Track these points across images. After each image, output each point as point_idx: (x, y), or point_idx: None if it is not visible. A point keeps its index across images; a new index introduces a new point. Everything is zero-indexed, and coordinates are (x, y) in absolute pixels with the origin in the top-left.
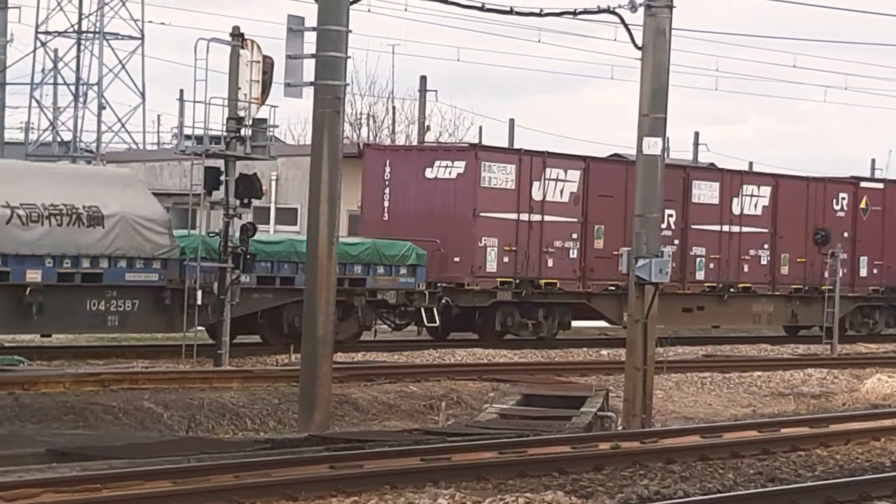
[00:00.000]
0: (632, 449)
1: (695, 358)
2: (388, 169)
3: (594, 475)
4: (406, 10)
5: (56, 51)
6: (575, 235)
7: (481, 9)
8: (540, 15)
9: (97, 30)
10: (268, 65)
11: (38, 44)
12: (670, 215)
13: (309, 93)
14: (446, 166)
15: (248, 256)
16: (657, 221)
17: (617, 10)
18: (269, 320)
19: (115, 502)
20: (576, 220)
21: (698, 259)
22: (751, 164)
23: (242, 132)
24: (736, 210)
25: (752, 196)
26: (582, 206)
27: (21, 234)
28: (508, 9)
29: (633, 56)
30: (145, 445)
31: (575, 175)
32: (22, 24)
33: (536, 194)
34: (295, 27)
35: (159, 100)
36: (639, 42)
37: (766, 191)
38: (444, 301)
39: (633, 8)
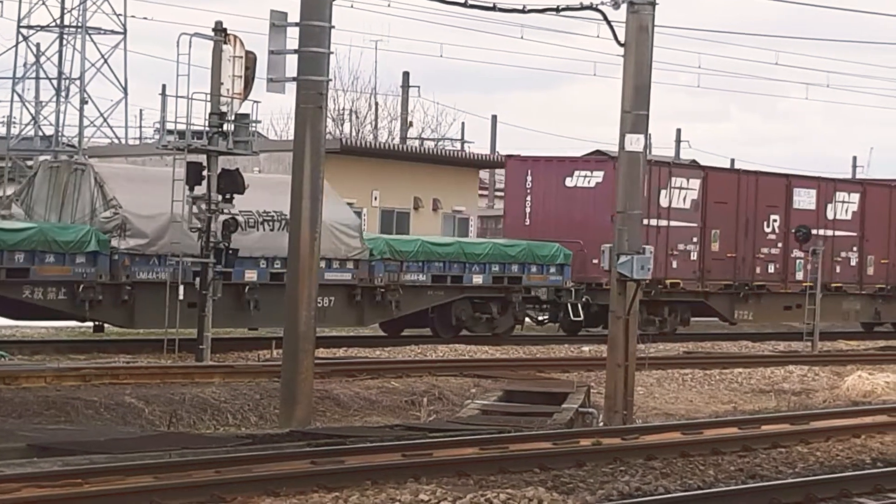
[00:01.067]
0: (613, 445)
1: (676, 354)
2: (529, 178)
3: (575, 471)
4: (389, 5)
5: (38, 45)
6: (695, 239)
7: (464, 5)
8: (523, 11)
9: (80, 24)
10: (250, 60)
11: (21, 38)
12: (774, 220)
13: (291, 88)
14: (585, 176)
15: (231, 252)
16: (639, 218)
17: (600, 7)
18: (440, 315)
19: (97, 497)
20: (695, 224)
21: (798, 261)
22: (732, 161)
23: (225, 127)
24: (830, 215)
25: (843, 202)
26: (701, 211)
27: (241, 238)
28: (491, 5)
29: (615, 53)
30: (126, 440)
31: (695, 183)
32: (4, 19)
33: (663, 201)
34: (278, 22)
35: (142, 95)
36: (621, 39)
37: (856, 197)
38: (585, 298)
39: (616, 5)
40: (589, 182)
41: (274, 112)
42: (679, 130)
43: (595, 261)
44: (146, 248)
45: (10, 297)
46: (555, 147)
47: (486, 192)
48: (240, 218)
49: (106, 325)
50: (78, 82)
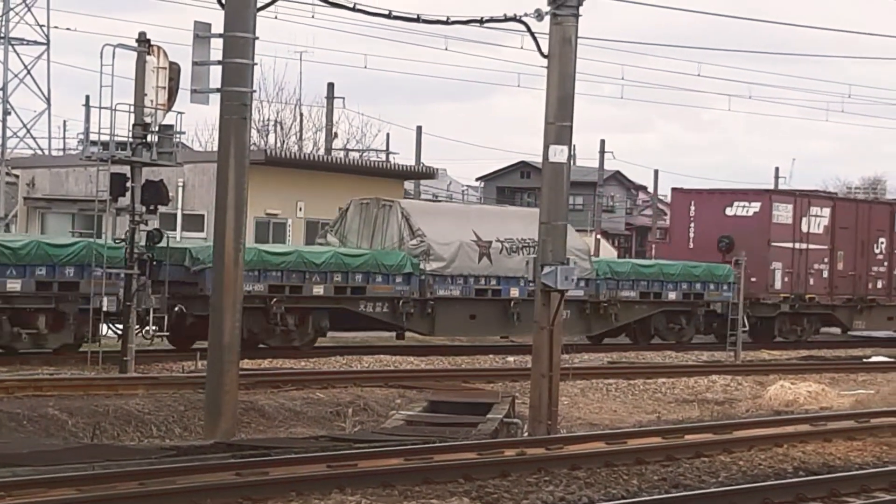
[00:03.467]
0: (537, 455)
1: (600, 365)
2: (692, 207)
3: (500, 481)
4: (313, 16)
5: None
6: (825, 259)
7: (388, 16)
8: (447, 23)
9: (2, 35)
10: (174, 71)
11: None
12: (882, 242)
13: (215, 99)
14: (744, 206)
15: (154, 263)
16: (563, 229)
17: (523, 19)
18: (641, 326)
19: None
20: (826, 247)
21: None
22: (656, 172)
23: (148, 138)
24: None
25: None
26: (830, 235)
27: (507, 261)
28: (415, 16)
29: (539, 64)
30: (50, 453)
31: (826, 211)
32: None
33: (804, 227)
34: (201, 33)
35: (65, 105)
36: (545, 50)
37: None
38: (746, 311)
39: (540, 17)
40: (747, 211)
41: (198, 123)
42: (603, 141)
43: (754, 279)
44: (444, 269)
45: (351, 310)
46: (479, 157)
47: None
48: (506, 244)
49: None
50: (0, 93)
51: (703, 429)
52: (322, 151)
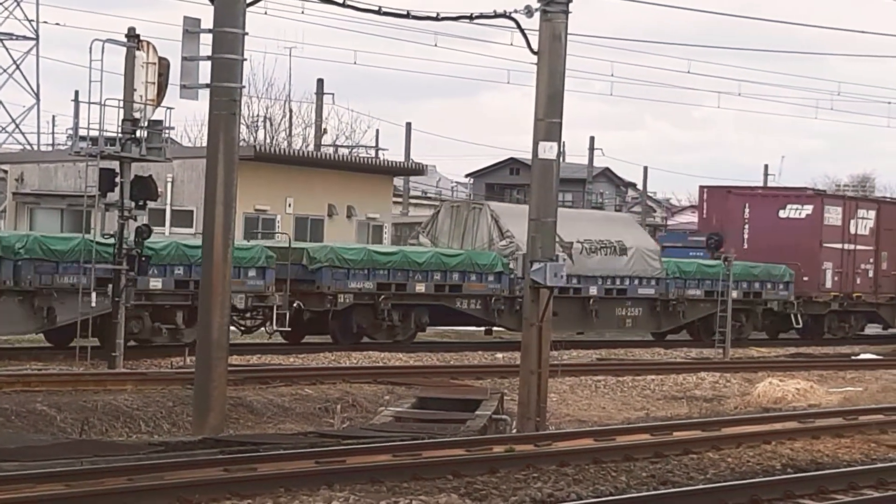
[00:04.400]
0: (526, 452)
1: (589, 361)
2: (747, 209)
3: (488, 478)
4: (303, 12)
5: None
6: (871, 260)
7: (378, 12)
8: (436, 19)
9: None
10: (163, 66)
11: None
12: None
13: (205, 95)
14: (797, 209)
15: (143, 259)
16: (552, 226)
17: (513, 15)
18: (704, 324)
19: None
20: (872, 248)
21: None
22: (645, 169)
23: (138, 134)
24: None
25: None
26: (875, 237)
27: (586, 261)
28: (405, 12)
29: (529, 61)
30: (37, 448)
31: (872, 214)
32: None
33: (852, 229)
34: (191, 29)
35: (54, 101)
36: (535, 47)
37: None
38: (799, 310)
39: (530, 13)
40: (800, 214)
41: (188, 118)
42: (592, 138)
43: (806, 278)
44: None
45: (448, 306)
46: (469, 153)
47: (400, 200)
48: (586, 245)
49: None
50: None
51: (691, 426)
52: (311, 147)
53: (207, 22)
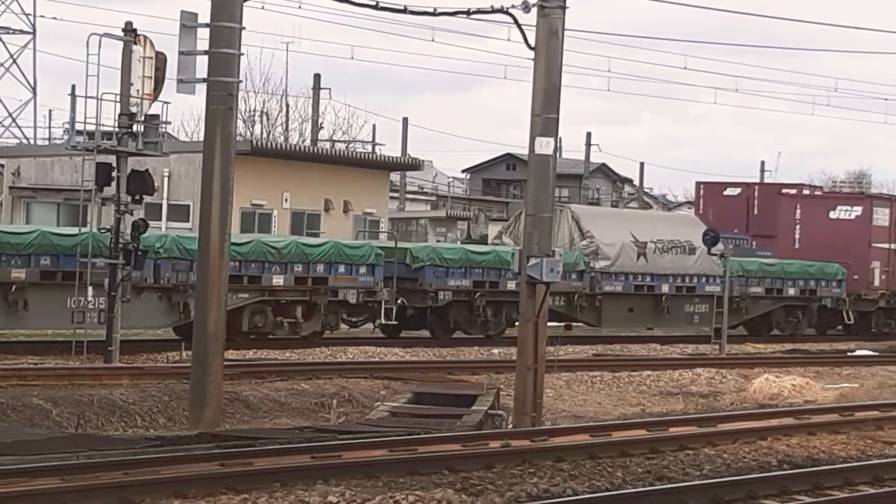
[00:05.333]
0: (522, 447)
1: (585, 357)
2: (798, 211)
3: (484, 473)
4: (300, 7)
5: None
6: None
7: (375, 7)
8: (434, 14)
9: None
10: (160, 61)
11: None
12: None
13: (202, 89)
14: (847, 210)
15: (140, 253)
16: (549, 221)
17: (510, 11)
18: (763, 320)
19: (3, 499)
20: None
21: None
22: (642, 164)
23: (134, 128)
24: None
25: None
26: None
27: (659, 260)
28: (402, 7)
29: (526, 56)
30: (33, 442)
31: None
32: None
33: None
34: (188, 23)
35: (51, 95)
36: (532, 42)
37: None
38: (850, 307)
39: (527, 8)
40: (850, 215)
41: (184, 113)
42: (589, 134)
43: (856, 277)
44: (609, 267)
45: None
46: (465, 149)
47: (396, 195)
48: (659, 245)
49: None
50: None
51: (687, 422)
52: (308, 142)
53: (205, 17)
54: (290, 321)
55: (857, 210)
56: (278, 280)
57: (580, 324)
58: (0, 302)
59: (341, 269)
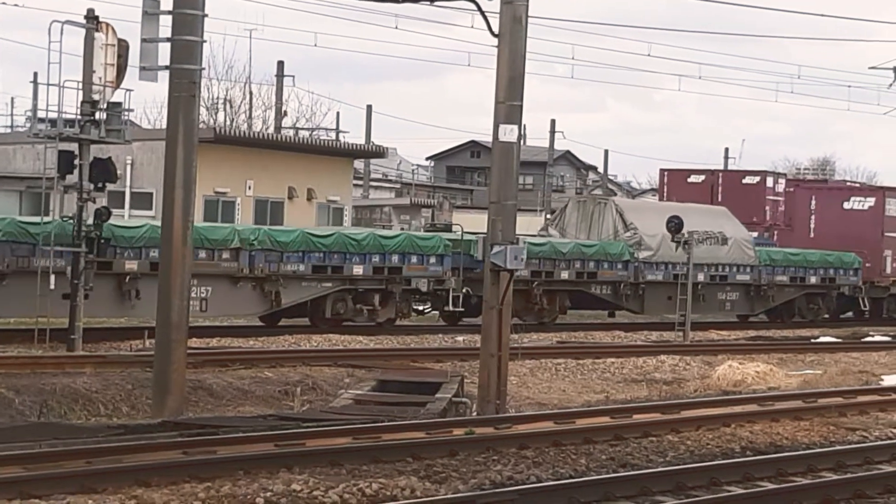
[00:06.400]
0: (486, 435)
1: (549, 344)
2: (813, 201)
3: (448, 460)
4: None
5: None
6: None
7: None
8: (397, 1)
9: None
10: (123, 48)
11: None
12: None
13: (165, 77)
14: (860, 201)
15: (102, 241)
16: (513, 208)
17: None
18: (786, 307)
19: None
20: None
21: None
22: (606, 152)
23: (97, 116)
24: None
25: None
26: None
27: (696, 250)
28: None
29: (490, 44)
30: None
31: None
32: None
33: None
34: (150, 10)
35: (13, 82)
36: (495, 30)
37: None
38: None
39: None
40: (863, 206)
41: (147, 100)
42: (553, 121)
43: (869, 265)
44: (651, 257)
45: (585, 291)
46: (429, 136)
47: (361, 182)
48: (694, 236)
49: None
50: None
51: (651, 409)
52: (271, 130)
53: (167, 3)
54: (368, 308)
55: (871, 201)
56: (358, 270)
57: (624, 311)
58: (114, 291)
59: (414, 259)
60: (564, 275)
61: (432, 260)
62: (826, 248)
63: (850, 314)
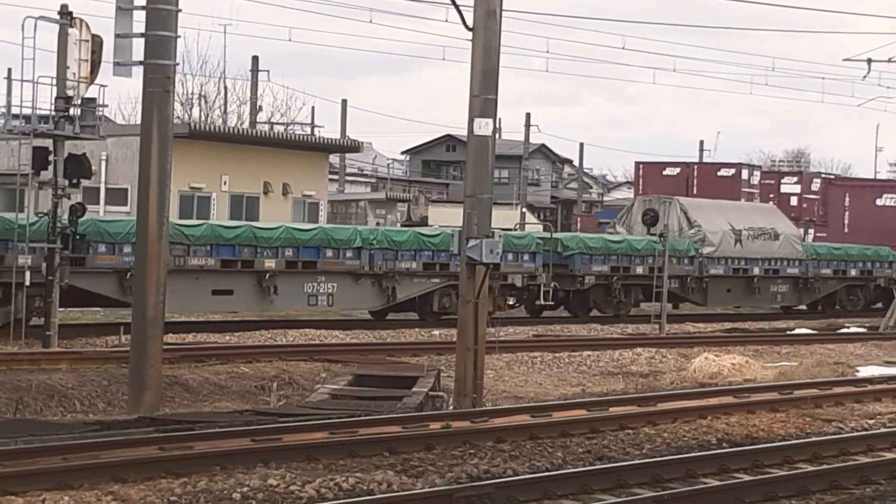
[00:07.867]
0: (462, 428)
1: (525, 338)
2: (847, 198)
3: (425, 455)
4: None
5: None
6: None
7: None
8: None
9: None
10: (97, 44)
11: None
12: None
13: (139, 72)
14: (892, 197)
15: (78, 237)
16: (488, 202)
17: None
18: (828, 299)
19: None
20: None
21: None
22: (581, 145)
23: (71, 112)
24: None
25: None
26: None
27: (751, 246)
28: None
29: (464, 37)
30: None
31: None
32: None
33: None
34: (124, 5)
35: None
36: (470, 23)
37: None
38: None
39: None
40: (895, 202)
41: (121, 96)
42: (528, 115)
43: None
44: (714, 253)
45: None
46: (405, 130)
47: (336, 177)
48: (749, 232)
49: None
50: None
51: (627, 401)
52: (246, 125)
53: None
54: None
55: None
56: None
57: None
58: (255, 287)
59: (510, 256)
60: (639, 270)
61: (526, 257)
62: (860, 242)
63: (879, 304)
